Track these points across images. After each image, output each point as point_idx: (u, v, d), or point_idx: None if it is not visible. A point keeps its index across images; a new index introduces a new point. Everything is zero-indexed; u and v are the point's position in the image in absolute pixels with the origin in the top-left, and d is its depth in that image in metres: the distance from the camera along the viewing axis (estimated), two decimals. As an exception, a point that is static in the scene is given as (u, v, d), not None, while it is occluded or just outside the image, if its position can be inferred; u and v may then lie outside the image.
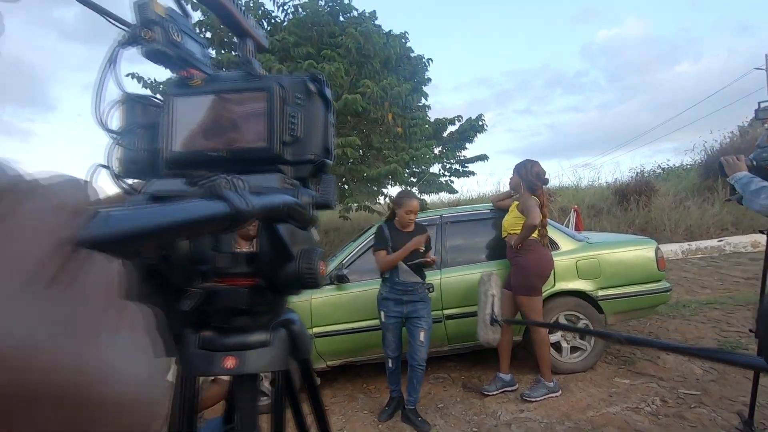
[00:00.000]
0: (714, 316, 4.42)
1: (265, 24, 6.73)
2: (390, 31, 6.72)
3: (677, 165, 14.68)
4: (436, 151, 7.34)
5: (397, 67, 6.66)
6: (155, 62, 0.49)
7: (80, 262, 0.13)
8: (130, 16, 0.48)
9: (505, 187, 3.70)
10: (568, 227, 5.29)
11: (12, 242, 0.11)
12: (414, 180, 7.18)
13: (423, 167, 7.11)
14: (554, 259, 3.22)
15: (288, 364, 0.51)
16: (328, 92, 0.52)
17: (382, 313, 2.94)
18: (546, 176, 3.22)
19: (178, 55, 0.49)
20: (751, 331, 2.28)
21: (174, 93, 0.50)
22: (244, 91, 0.49)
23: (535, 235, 3.09)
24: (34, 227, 0.12)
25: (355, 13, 6.58)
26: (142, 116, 0.55)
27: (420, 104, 7.17)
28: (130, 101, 0.54)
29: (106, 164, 0.52)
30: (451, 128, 7.48)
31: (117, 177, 0.53)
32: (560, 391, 3.02)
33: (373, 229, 3.33)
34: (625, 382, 3.13)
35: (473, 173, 7.74)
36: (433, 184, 7.39)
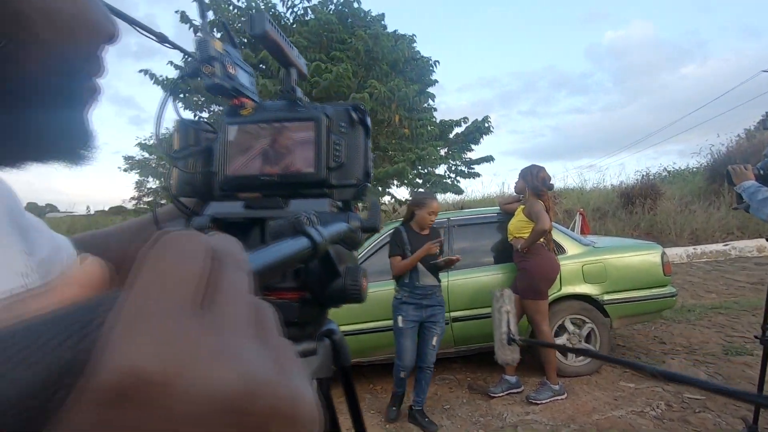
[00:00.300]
0: (719, 321, 4.44)
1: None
2: (396, 30, 6.76)
3: (683, 168, 14.66)
4: (442, 152, 7.38)
5: (404, 69, 6.70)
6: (213, 94, 0.53)
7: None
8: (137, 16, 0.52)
9: (510, 189, 3.76)
10: (573, 230, 5.32)
11: (240, 296, 0.15)
12: (420, 181, 7.22)
13: (429, 168, 7.14)
14: (561, 263, 3.26)
15: (331, 371, 0.55)
16: (369, 121, 0.56)
17: (400, 318, 2.87)
18: (551, 181, 3.27)
19: (233, 86, 0.54)
20: (756, 337, 2.30)
21: (228, 121, 0.54)
22: (293, 121, 0.54)
23: (541, 239, 3.13)
24: (243, 282, 0.16)
25: (364, 15, 6.62)
26: (195, 140, 0.60)
27: (426, 105, 7.20)
28: (184, 126, 0.59)
29: (165, 185, 0.56)
30: (457, 130, 7.51)
31: (174, 197, 0.57)
32: (566, 394, 3.06)
33: (386, 230, 3.34)
34: (630, 386, 3.16)
35: (479, 174, 7.77)
36: (438, 185, 7.42)
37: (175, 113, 0.57)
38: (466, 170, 7.75)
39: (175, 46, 0.55)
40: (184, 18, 5.84)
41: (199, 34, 0.53)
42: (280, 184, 0.53)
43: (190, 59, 0.52)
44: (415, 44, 6.98)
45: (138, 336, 0.12)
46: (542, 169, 3.25)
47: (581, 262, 3.49)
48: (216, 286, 0.15)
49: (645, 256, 3.54)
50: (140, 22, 0.57)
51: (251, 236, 0.54)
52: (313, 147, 0.53)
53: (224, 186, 0.54)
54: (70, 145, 0.34)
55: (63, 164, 0.35)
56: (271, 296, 0.54)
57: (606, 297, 3.44)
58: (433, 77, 7.31)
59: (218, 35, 0.58)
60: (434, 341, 2.89)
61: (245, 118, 0.55)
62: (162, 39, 0.57)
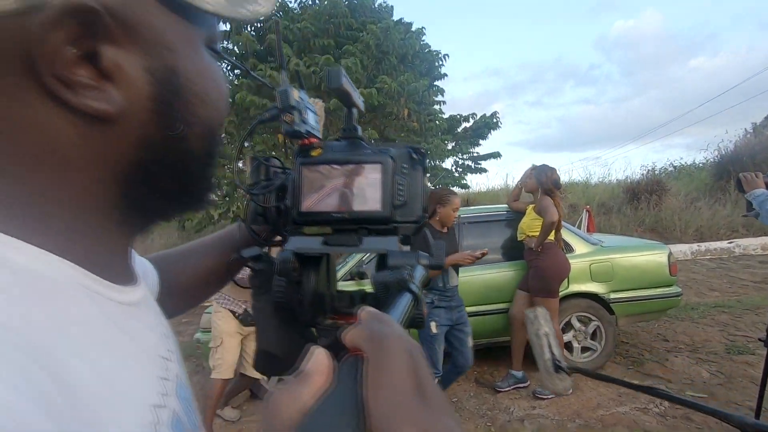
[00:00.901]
0: (722, 320, 4.50)
1: (281, 15, 6.77)
2: (402, 19, 6.74)
3: (689, 163, 14.60)
4: (450, 146, 7.41)
5: (413, 62, 6.70)
6: (290, 138, 0.59)
7: None
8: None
9: (514, 181, 3.84)
10: (580, 228, 5.37)
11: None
12: (428, 175, 7.25)
13: (436, 162, 7.18)
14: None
15: None
16: (426, 161, 0.62)
17: (434, 323, 2.72)
18: (561, 181, 3.36)
19: (306, 130, 0.60)
20: (760, 340, 2.35)
21: (302, 161, 0.60)
22: (363, 163, 0.59)
23: (551, 237, 3.20)
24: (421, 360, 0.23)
25: (373, 5, 6.60)
26: (266, 176, 0.66)
27: (435, 99, 7.22)
28: (257, 163, 0.65)
29: (243, 218, 0.62)
30: (465, 125, 7.53)
31: (249, 227, 0.63)
32: (571, 390, 3.14)
33: None
34: (634, 383, 3.24)
35: (485, 170, 7.81)
36: (446, 178, 7.47)
37: (252, 151, 0.63)
38: (472, 165, 7.78)
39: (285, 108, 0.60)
40: None
41: (281, 84, 0.60)
42: (349, 221, 0.59)
43: (275, 108, 0.57)
44: (424, 37, 6.97)
45: (406, 427, 0.18)
46: (554, 170, 3.33)
47: (589, 260, 3.55)
48: (416, 373, 0.21)
49: (652, 256, 3.60)
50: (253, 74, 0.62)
51: (321, 267, 0.60)
52: (380, 187, 0.59)
53: (298, 220, 0.60)
54: (203, 199, 0.40)
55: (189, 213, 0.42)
56: (340, 320, 0.61)
57: (612, 295, 3.51)
58: (443, 71, 7.32)
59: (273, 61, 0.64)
60: (469, 342, 2.83)
61: (317, 159, 0.61)
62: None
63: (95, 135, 0.29)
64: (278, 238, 0.68)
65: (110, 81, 0.28)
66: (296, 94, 0.58)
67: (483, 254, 2.82)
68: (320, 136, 0.66)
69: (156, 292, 0.60)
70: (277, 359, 0.59)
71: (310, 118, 0.64)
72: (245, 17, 0.34)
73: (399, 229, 0.62)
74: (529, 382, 3.30)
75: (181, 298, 0.68)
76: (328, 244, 0.56)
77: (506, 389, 3.26)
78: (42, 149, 0.28)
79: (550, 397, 3.09)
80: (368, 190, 0.61)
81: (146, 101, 0.30)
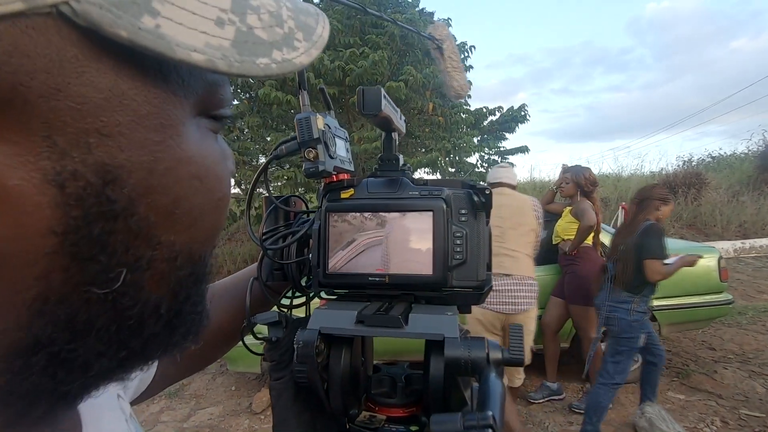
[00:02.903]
0: (774, 327, 4.18)
1: None
2: (424, 9, 6.50)
3: (729, 153, 13.79)
4: (475, 140, 7.17)
5: (439, 54, 6.47)
6: (312, 178, 0.45)
7: None
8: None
9: (540, 174, 3.64)
10: (615, 226, 5.08)
11: None
12: (453, 170, 7.05)
13: (461, 157, 6.96)
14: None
15: None
16: (492, 203, 0.47)
17: (643, 336, 2.49)
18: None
19: (334, 166, 0.46)
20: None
21: (329, 207, 0.47)
22: (407, 210, 0.45)
23: (588, 241, 3.00)
24: None
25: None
26: (285, 220, 0.52)
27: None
28: (273, 206, 0.51)
29: (257, 276, 0.50)
30: (492, 118, 7.26)
31: (265, 284, 0.50)
32: (564, 395, 2.97)
33: None
34: (680, 398, 3.02)
35: (513, 165, 7.52)
36: (472, 175, 7.24)
37: (266, 192, 0.50)
38: (499, 160, 7.52)
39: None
40: None
41: (302, 108, 0.44)
42: (390, 286, 0.45)
43: (293, 141, 0.44)
44: (450, 28, 6.72)
45: None
46: (589, 170, 3.13)
47: (630, 265, 3.31)
48: None
49: (700, 260, 3.33)
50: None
51: (354, 345, 0.47)
52: (430, 243, 0.45)
53: (324, 284, 0.47)
54: (195, 336, 0.27)
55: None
56: (376, 411, 0.47)
57: (655, 302, 3.27)
58: (468, 62, 7.06)
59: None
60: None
61: (347, 204, 0.47)
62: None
63: None
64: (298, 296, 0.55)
65: None
66: (321, 122, 0.44)
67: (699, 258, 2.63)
68: (352, 169, 0.52)
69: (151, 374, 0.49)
70: None
71: (340, 147, 0.50)
72: (269, 72, 0.20)
73: (455, 296, 0.48)
74: (564, 395, 3.12)
75: (183, 362, 0.56)
76: (362, 323, 0.42)
77: (540, 401, 3.08)
78: None
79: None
80: (415, 246, 0.47)
81: (46, 237, 0.17)
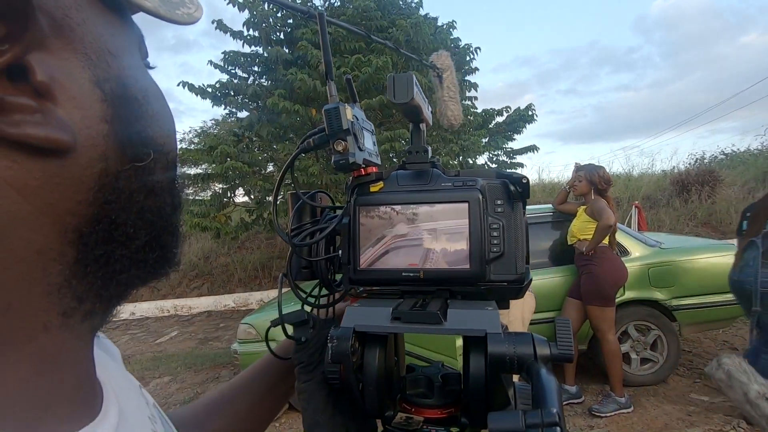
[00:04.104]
0: (798, 325, 4.06)
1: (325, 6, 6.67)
2: (428, 14, 6.51)
3: (743, 150, 13.56)
4: (484, 141, 7.14)
5: (444, 57, 6.47)
6: (342, 171, 0.43)
7: None
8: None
9: (549, 174, 3.58)
10: (630, 227, 5.01)
11: None
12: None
13: (470, 159, 6.93)
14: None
15: None
16: (529, 192, 0.45)
17: None
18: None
19: (363, 158, 0.44)
20: None
21: (359, 201, 0.45)
22: (441, 202, 0.43)
23: (605, 241, 2.95)
24: None
25: (402, 4, 6.42)
26: (312, 216, 0.51)
27: (468, 94, 6.96)
28: (299, 201, 0.50)
29: (286, 272, 0.48)
30: (499, 119, 7.23)
31: (296, 286, 0.49)
32: (632, 408, 2.88)
33: None
34: (704, 399, 2.94)
35: (522, 165, 7.48)
36: (480, 177, 7.22)
37: (293, 186, 0.48)
38: (507, 161, 7.48)
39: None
40: (221, 26, 5.80)
41: (330, 99, 0.43)
42: (425, 281, 0.43)
43: (322, 133, 0.42)
44: (454, 31, 6.72)
45: None
46: (602, 168, 3.09)
47: (647, 264, 3.25)
48: None
49: (720, 258, 3.26)
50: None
51: (389, 343, 0.45)
52: (466, 236, 0.43)
53: (356, 281, 0.45)
54: (174, 255, 0.30)
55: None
56: (412, 413, 0.45)
57: (675, 302, 3.20)
58: (474, 65, 7.05)
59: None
60: None
61: (377, 197, 0.45)
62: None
63: (43, 179, 0.20)
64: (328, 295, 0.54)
65: (50, 100, 0.20)
66: (349, 112, 0.42)
67: None
68: (380, 162, 0.51)
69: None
70: None
71: (368, 139, 0.49)
72: (181, 20, 0.28)
73: (493, 291, 0.46)
74: (583, 398, 3.05)
75: None
76: (399, 320, 0.41)
77: (558, 405, 3.02)
78: None
79: (608, 414, 2.84)
80: (450, 240, 0.45)
81: (101, 124, 0.23)
